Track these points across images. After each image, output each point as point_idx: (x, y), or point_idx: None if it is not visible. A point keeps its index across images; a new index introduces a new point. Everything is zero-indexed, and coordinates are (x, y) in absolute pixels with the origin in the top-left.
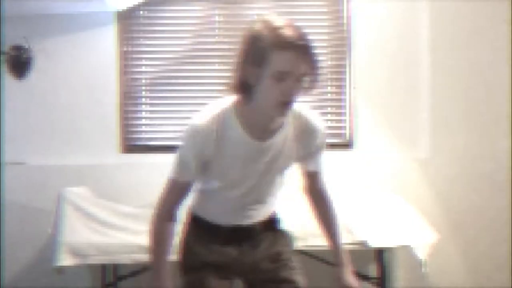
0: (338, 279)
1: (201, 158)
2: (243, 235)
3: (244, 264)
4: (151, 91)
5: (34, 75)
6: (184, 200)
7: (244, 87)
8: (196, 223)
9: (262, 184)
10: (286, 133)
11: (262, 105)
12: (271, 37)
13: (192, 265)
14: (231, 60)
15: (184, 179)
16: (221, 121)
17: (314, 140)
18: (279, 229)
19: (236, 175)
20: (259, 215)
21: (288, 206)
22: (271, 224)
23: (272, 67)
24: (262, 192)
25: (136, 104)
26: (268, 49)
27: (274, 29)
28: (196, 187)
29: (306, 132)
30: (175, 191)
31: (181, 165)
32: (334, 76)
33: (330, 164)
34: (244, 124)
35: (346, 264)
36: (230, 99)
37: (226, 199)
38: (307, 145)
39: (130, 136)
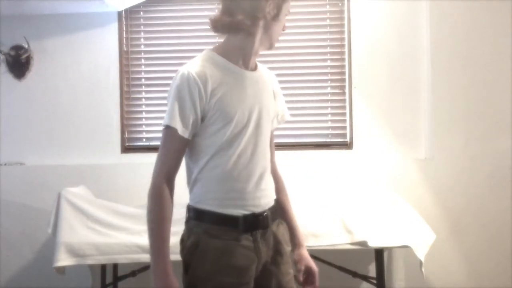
0: (300, 261)
1: (200, 106)
2: (260, 225)
3: (259, 264)
4: (151, 91)
5: (34, 75)
6: (178, 169)
7: (234, 28)
8: (208, 226)
9: (261, 139)
10: (262, 73)
11: (265, 42)
12: None
13: None
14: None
15: (183, 131)
16: (208, 63)
17: (277, 84)
18: (280, 221)
19: (240, 112)
20: (269, 190)
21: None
22: (276, 213)
23: (283, 13)
24: (263, 154)
25: (136, 104)
26: (282, 2)
27: None
28: (202, 168)
29: (271, 76)
30: (174, 149)
31: (181, 113)
32: (334, 76)
33: (330, 164)
34: (228, 59)
35: (304, 245)
36: (202, 53)
37: (241, 163)
38: (277, 89)
39: (130, 136)
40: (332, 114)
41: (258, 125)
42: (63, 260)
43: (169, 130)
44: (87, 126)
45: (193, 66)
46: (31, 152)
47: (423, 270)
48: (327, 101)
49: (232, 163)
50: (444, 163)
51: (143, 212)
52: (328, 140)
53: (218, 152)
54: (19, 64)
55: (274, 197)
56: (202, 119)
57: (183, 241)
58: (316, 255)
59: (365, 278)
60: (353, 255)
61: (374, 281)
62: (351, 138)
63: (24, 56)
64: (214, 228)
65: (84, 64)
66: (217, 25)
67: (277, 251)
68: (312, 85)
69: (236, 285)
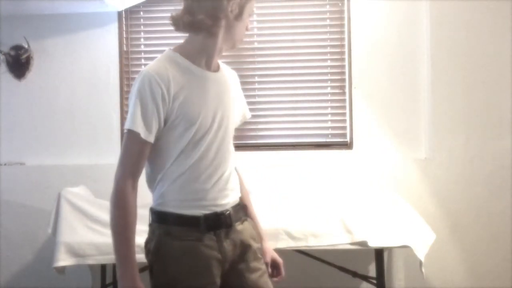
0: (264, 254)
1: (163, 109)
2: (222, 224)
3: (225, 263)
4: None
5: (34, 75)
6: (141, 173)
7: (195, 27)
8: (169, 228)
9: (225, 140)
10: (224, 74)
11: (227, 42)
12: None
13: None
14: (231, 60)
15: (146, 135)
16: (170, 65)
17: (238, 83)
18: (245, 218)
19: (203, 115)
20: (232, 190)
21: (287, 206)
22: (240, 211)
23: (246, 13)
24: (226, 155)
25: None
26: (245, 2)
27: None
28: (164, 171)
29: (233, 76)
30: (137, 153)
31: (144, 117)
32: (334, 76)
33: (330, 164)
34: (191, 60)
35: (265, 239)
36: (163, 54)
37: (203, 165)
38: (238, 90)
39: None
40: (332, 114)
41: (221, 127)
42: (63, 260)
43: (131, 134)
44: (87, 126)
45: (155, 68)
46: (31, 152)
47: (423, 270)
48: (327, 101)
49: (194, 165)
50: (444, 163)
51: (143, 212)
52: (328, 140)
53: (180, 155)
54: (19, 64)
55: (239, 195)
56: (165, 122)
57: (147, 244)
58: (316, 255)
59: (365, 278)
60: (353, 255)
61: (374, 281)
62: (351, 138)
63: (24, 56)
64: (176, 229)
65: (84, 64)
66: (178, 24)
67: (244, 248)
68: (312, 85)
69: (201, 286)
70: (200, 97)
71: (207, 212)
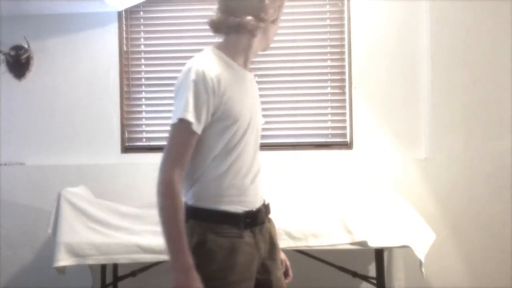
0: (280, 253)
1: (213, 103)
2: (258, 221)
3: (259, 260)
4: (151, 91)
5: (34, 75)
6: (186, 166)
7: (240, 28)
8: (211, 224)
9: (258, 138)
10: (252, 75)
11: (258, 44)
12: None
13: None
14: None
15: (197, 126)
16: (218, 62)
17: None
18: (269, 218)
19: (244, 113)
20: (261, 188)
21: (287, 206)
22: (267, 208)
23: (279, 17)
24: (258, 153)
25: (136, 104)
26: (277, 2)
27: None
28: (206, 166)
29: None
30: (186, 144)
31: (196, 108)
32: (334, 76)
33: (330, 164)
34: (232, 59)
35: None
36: (207, 50)
37: (242, 162)
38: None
39: (130, 136)
40: (332, 114)
41: (255, 125)
42: (63, 260)
43: (182, 123)
44: (87, 126)
45: (206, 63)
46: (31, 152)
47: (423, 270)
48: (327, 101)
49: (235, 162)
50: (444, 163)
51: (143, 212)
52: (328, 140)
53: (222, 152)
54: (19, 64)
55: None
56: (211, 116)
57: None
58: (316, 255)
59: (365, 278)
60: (353, 255)
61: (374, 281)
62: (351, 138)
63: (24, 56)
64: (218, 226)
65: (84, 64)
66: (221, 26)
67: (272, 245)
68: (312, 85)
69: (242, 282)
70: (241, 95)
71: (246, 208)
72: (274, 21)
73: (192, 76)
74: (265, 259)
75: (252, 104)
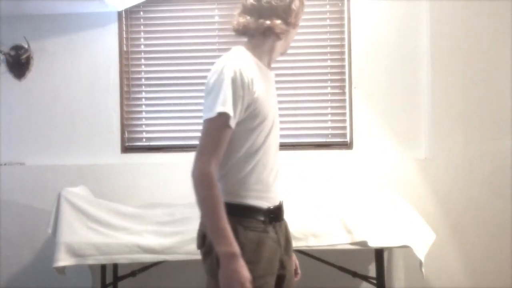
0: None
1: (246, 101)
2: (279, 216)
3: (279, 254)
4: (151, 91)
5: (34, 75)
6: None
7: (271, 32)
8: (239, 219)
9: (279, 136)
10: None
11: (281, 47)
12: (297, 1)
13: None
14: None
15: (233, 121)
16: (250, 62)
17: None
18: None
19: (271, 112)
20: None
21: (287, 206)
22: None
23: (299, 21)
24: (277, 152)
25: (136, 104)
26: (301, 8)
27: None
28: (233, 161)
29: None
30: (223, 138)
31: (234, 103)
32: (334, 76)
33: (330, 164)
34: (259, 59)
35: None
36: (236, 49)
37: (268, 159)
38: None
39: (130, 136)
40: (332, 114)
41: (277, 124)
42: (63, 260)
43: (221, 117)
44: (87, 126)
45: (242, 63)
46: (31, 152)
47: (423, 270)
48: (327, 101)
49: (262, 159)
50: (444, 163)
51: (143, 212)
52: (328, 140)
53: (250, 148)
54: (19, 64)
55: None
56: (244, 114)
57: (205, 237)
58: (316, 255)
59: (365, 278)
60: (353, 255)
61: (374, 281)
62: (351, 138)
63: (24, 56)
64: (246, 220)
65: (84, 64)
66: (249, 29)
67: (287, 241)
68: (312, 85)
69: (265, 277)
70: (268, 95)
71: (270, 204)
72: (295, 26)
73: (230, 73)
74: (282, 254)
75: (275, 103)
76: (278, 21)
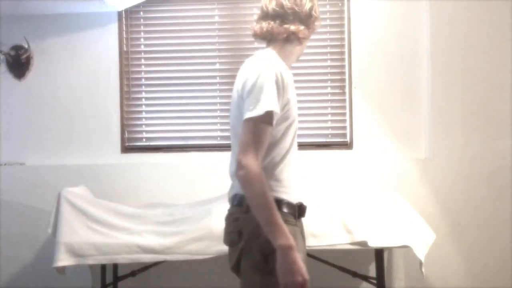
0: None
1: (283, 102)
2: (304, 213)
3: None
4: (151, 91)
5: (34, 75)
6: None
7: (296, 37)
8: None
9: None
10: None
11: (299, 52)
12: (316, 7)
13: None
14: (231, 60)
15: (274, 116)
16: (282, 63)
17: None
18: None
19: (296, 112)
20: None
21: None
22: None
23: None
24: None
25: (136, 104)
26: (317, 16)
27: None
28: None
29: None
30: (266, 135)
31: (277, 99)
32: (334, 76)
33: (330, 164)
34: (286, 64)
35: None
36: (267, 52)
37: (294, 157)
38: None
39: (130, 136)
40: (332, 114)
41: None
42: (63, 260)
43: (266, 115)
44: (87, 126)
45: (281, 66)
46: (31, 152)
47: (423, 270)
48: (327, 101)
49: (290, 157)
50: (444, 163)
51: (143, 212)
52: (328, 140)
53: (283, 146)
54: (19, 64)
55: None
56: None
57: (241, 233)
58: (316, 255)
59: (365, 278)
60: (353, 255)
61: (374, 281)
62: (351, 138)
63: (24, 56)
64: (283, 214)
65: (84, 64)
66: (274, 34)
67: (304, 238)
68: (312, 85)
69: (305, 267)
70: (294, 97)
71: (297, 201)
72: (311, 33)
73: (272, 74)
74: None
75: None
76: (302, 27)
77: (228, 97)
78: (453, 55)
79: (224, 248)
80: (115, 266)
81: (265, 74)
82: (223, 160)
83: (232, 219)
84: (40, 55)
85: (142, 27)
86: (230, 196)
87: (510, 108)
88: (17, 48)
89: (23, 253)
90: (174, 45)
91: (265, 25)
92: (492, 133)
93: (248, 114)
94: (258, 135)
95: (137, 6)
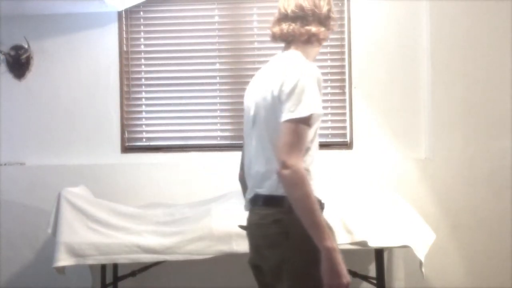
0: None
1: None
2: (323, 209)
3: None
4: (151, 91)
5: (34, 75)
6: None
7: (320, 39)
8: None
9: None
10: None
11: (316, 53)
12: (333, 8)
13: None
14: (231, 60)
15: (318, 117)
16: (312, 64)
17: None
18: None
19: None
20: None
21: None
22: None
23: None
24: None
25: (136, 104)
26: (334, 17)
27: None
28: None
29: None
30: (307, 136)
31: (320, 100)
32: (334, 76)
33: (330, 164)
34: None
35: None
36: (295, 54)
37: (316, 157)
38: None
39: (130, 136)
40: (332, 114)
41: None
42: (63, 260)
43: (309, 117)
44: (87, 126)
45: (313, 66)
46: (31, 152)
47: (423, 270)
48: (327, 101)
49: (315, 155)
50: (444, 163)
51: (143, 212)
52: (328, 140)
53: (313, 145)
54: (19, 64)
55: None
56: None
57: (287, 234)
58: None
59: (365, 278)
60: (353, 255)
61: (374, 281)
62: (351, 138)
63: (24, 56)
64: None
65: (84, 64)
66: (295, 35)
67: None
68: None
69: None
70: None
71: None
72: (330, 33)
73: (313, 76)
74: None
75: None
76: (322, 28)
77: (228, 97)
78: (453, 55)
79: (224, 248)
80: (115, 266)
81: (306, 76)
82: (223, 160)
83: (271, 221)
84: (40, 55)
85: (142, 27)
86: (262, 196)
87: (510, 108)
88: (17, 48)
89: (23, 253)
90: (174, 45)
91: (285, 26)
92: (492, 133)
93: (290, 115)
94: (301, 136)
95: (137, 6)
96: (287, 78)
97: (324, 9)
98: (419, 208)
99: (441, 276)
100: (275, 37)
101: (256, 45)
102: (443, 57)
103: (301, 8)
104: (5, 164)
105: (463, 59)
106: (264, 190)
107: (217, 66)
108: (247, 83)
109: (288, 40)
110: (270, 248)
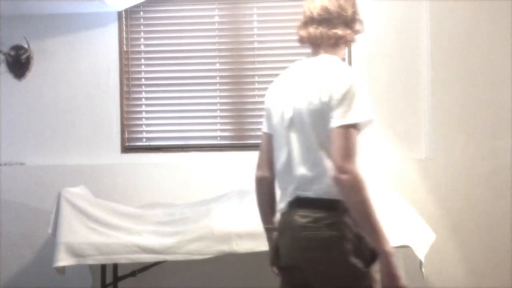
0: None
1: None
2: None
3: None
4: (151, 91)
5: (34, 75)
6: None
7: (336, 43)
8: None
9: None
10: None
11: (343, 55)
12: (358, 10)
13: None
14: (231, 60)
15: (370, 123)
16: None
17: None
18: None
19: None
20: None
21: None
22: None
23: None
24: None
25: (136, 104)
26: (360, 19)
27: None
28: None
29: None
30: (358, 139)
31: (369, 105)
32: None
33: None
34: None
35: None
36: (333, 58)
37: None
38: None
39: (130, 136)
40: None
41: None
42: (63, 260)
43: (361, 123)
44: (87, 126)
45: (358, 73)
46: (31, 152)
47: (423, 270)
48: None
49: (365, 160)
50: (444, 163)
51: (143, 212)
52: None
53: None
54: (19, 64)
55: None
56: None
57: (343, 238)
58: None
59: None
60: None
61: None
62: None
63: (24, 56)
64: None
65: (84, 64)
66: (324, 38)
67: None
68: None
69: None
70: None
71: None
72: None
73: (362, 82)
74: None
75: None
76: (349, 31)
77: (228, 97)
78: (453, 55)
79: (224, 248)
80: (115, 266)
81: (356, 82)
82: (223, 160)
83: (324, 225)
84: (40, 55)
85: (142, 27)
86: (309, 199)
87: (510, 108)
88: (17, 48)
89: (23, 253)
90: (174, 45)
91: (312, 30)
92: (492, 133)
93: (342, 122)
94: (355, 141)
95: (137, 6)
96: (336, 84)
97: (350, 11)
98: (419, 208)
99: (441, 276)
100: (302, 41)
101: (256, 45)
102: (443, 57)
103: (327, 10)
104: (5, 164)
105: (463, 59)
106: (311, 193)
107: (217, 66)
108: (247, 83)
109: (317, 43)
110: (321, 251)
